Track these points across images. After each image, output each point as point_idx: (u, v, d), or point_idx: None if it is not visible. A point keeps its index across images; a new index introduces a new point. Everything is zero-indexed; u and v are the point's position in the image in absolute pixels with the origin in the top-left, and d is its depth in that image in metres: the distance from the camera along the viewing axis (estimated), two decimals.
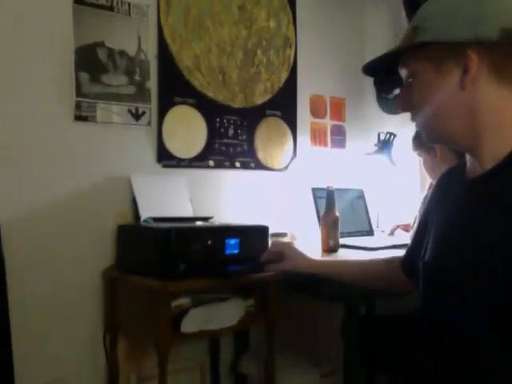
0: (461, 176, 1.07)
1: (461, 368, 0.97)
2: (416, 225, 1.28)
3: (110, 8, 2.13)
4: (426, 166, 2.25)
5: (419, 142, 2.21)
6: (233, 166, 2.52)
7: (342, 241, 2.22)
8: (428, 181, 2.31)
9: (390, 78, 1.10)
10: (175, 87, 2.32)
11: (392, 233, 2.63)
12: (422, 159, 2.27)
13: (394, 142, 2.84)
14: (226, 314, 1.95)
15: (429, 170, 2.25)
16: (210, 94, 2.44)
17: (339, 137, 3.04)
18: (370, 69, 1.11)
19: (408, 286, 1.29)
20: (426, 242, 1.10)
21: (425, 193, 2.13)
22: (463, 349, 0.95)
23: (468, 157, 1.04)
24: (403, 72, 1.02)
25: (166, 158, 2.29)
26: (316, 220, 2.41)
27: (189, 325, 1.84)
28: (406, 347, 1.76)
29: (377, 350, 2.09)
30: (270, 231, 2.13)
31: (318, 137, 2.92)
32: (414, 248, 1.23)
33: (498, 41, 0.90)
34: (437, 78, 0.96)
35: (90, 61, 2.07)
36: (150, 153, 2.26)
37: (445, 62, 0.94)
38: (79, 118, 2.05)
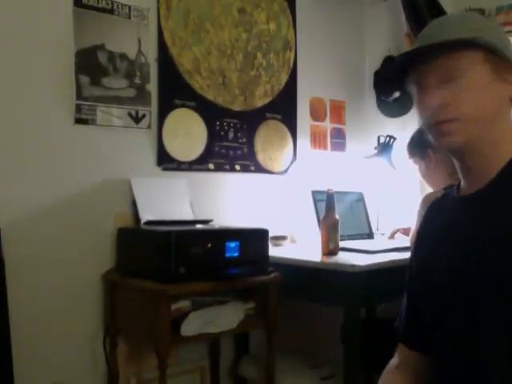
0: (453, 196, 1.08)
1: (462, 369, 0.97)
2: (406, 294, 1.18)
3: (111, 11, 2.13)
4: (422, 172, 2.25)
5: (413, 149, 2.21)
6: (233, 169, 2.52)
7: (341, 244, 2.22)
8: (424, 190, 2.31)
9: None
10: (175, 90, 2.33)
11: (392, 236, 2.63)
12: (417, 166, 2.27)
13: (394, 145, 2.84)
14: (226, 317, 1.95)
15: (425, 176, 2.25)
16: (210, 96, 2.44)
17: (339, 140, 3.04)
18: (400, 64, 1.04)
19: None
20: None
21: (418, 208, 2.12)
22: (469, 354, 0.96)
23: (463, 172, 1.04)
24: (448, 64, 0.96)
25: (166, 160, 2.30)
26: (316, 223, 2.41)
27: (188, 328, 1.84)
28: None
29: (377, 353, 2.09)
30: (270, 234, 2.13)
31: (317, 140, 2.93)
32: (413, 315, 1.16)
33: None
34: (494, 83, 0.97)
35: (91, 64, 2.08)
36: (150, 156, 2.26)
37: (504, 71, 0.97)
38: (79, 120, 2.05)
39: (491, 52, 0.96)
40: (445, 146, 1.01)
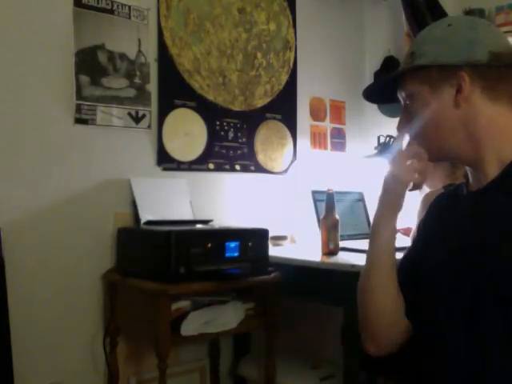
0: (459, 193, 1.09)
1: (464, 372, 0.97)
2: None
3: (111, 11, 2.13)
4: None
5: None
6: (233, 169, 2.52)
7: (341, 244, 2.22)
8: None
9: (390, 103, 1.15)
10: (175, 90, 2.33)
11: None
12: None
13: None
14: (226, 316, 1.95)
15: None
16: (210, 96, 2.44)
17: (339, 140, 3.04)
18: (371, 95, 1.17)
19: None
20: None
21: (417, 207, 2.13)
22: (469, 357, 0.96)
23: (470, 172, 1.05)
24: (402, 95, 1.07)
25: (165, 160, 2.29)
26: (316, 223, 2.41)
27: (188, 328, 1.84)
28: (406, 351, 1.75)
29: None
30: (270, 234, 2.13)
31: (317, 140, 2.92)
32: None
33: (487, 63, 0.97)
34: (432, 98, 1.01)
35: (91, 64, 2.08)
36: (150, 156, 2.26)
37: (440, 83, 1.00)
38: (79, 120, 2.05)
39: (424, 69, 1.01)
40: (429, 160, 1.09)
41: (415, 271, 1.10)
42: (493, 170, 0.99)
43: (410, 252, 1.16)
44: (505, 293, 0.89)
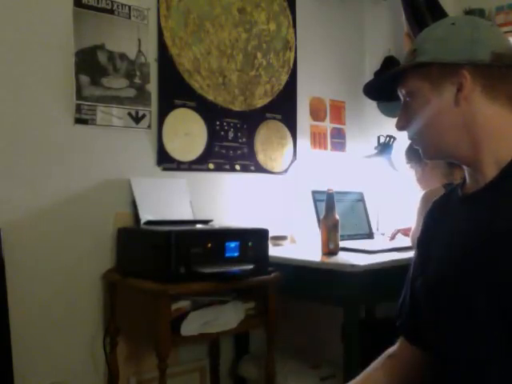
0: (456, 194, 1.08)
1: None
2: (407, 285, 1.17)
3: (111, 11, 2.13)
4: (417, 176, 2.30)
5: (411, 154, 2.26)
6: (233, 169, 2.52)
7: (341, 244, 2.22)
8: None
9: (391, 101, 1.15)
10: (175, 90, 2.33)
11: (393, 237, 2.63)
12: (413, 171, 2.31)
13: (394, 144, 2.84)
14: (226, 316, 1.95)
15: (420, 179, 2.29)
16: (210, 96, 2.44)
17: (339, 140, 3.04)
18: (371, 91, 1.17)
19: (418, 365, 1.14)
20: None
21: (417, 205, 2.14)
22: (471, 368, 0.96)
23: (467, 172, 1.05)
24: (402, 92, 1.07)
25: (165, 160, 2.29)
26: (316, 223, 2.41)
27: (188, 328, 1.84)
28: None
29: (377, 353, 2.08)
30: (270, 234, 2.13)
31: (317, 140, 2.92)
32: (412, 310, 1.15)
33: (489, 63, 0.97)
34: (433, 95, 1.01)
35: (91, 64, 2.08)
36: (150, 156, 2.26)
37: (441, 80, 1.00)
38: (79, 120, 2.05)
39: (425, 67, 1.01)
40: (424, 158, 1.11)
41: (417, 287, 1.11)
42: (490, 171, 0.98)
43: (415, 271, 1.14)
44: (505, 305, 0.89)
